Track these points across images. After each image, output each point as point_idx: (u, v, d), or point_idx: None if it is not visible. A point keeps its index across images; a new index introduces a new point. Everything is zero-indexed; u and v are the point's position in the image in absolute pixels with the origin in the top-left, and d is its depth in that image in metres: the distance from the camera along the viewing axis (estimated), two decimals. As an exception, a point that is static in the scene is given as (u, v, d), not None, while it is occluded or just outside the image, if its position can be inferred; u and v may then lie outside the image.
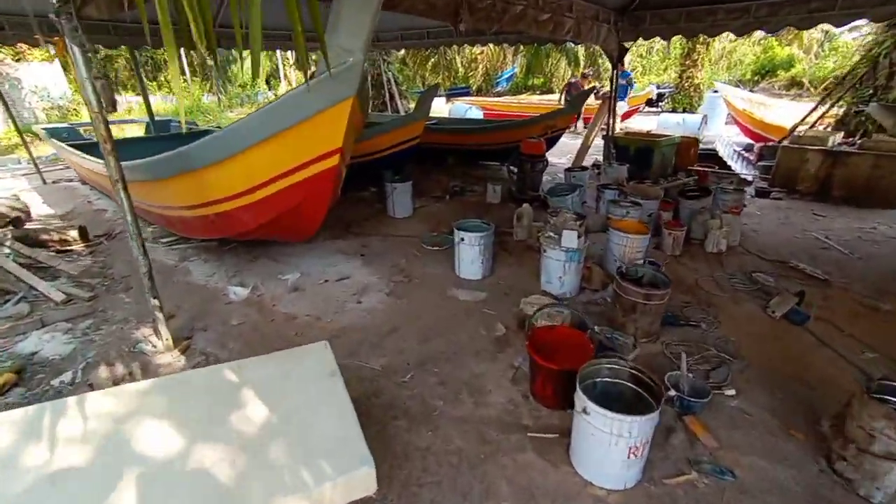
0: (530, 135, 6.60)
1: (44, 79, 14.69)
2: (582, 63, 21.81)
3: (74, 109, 14.69)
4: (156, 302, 2.56)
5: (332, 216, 5.21)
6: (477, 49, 19.75)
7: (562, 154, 9.10)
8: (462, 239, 3.52)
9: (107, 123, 2.17)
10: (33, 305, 3.14)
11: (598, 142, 8.16)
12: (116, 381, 2.40)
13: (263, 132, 2.69)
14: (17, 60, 14.43)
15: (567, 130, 7.30)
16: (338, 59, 2.34)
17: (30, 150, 7.34)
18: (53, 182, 7.18)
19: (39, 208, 5.82)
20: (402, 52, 20.11)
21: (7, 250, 3.75)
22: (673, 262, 3.98)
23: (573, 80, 11.83)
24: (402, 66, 19.95)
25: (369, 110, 7.76)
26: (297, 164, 2.85)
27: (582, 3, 5.44)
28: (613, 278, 2.97)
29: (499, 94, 20.14)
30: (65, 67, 15.11)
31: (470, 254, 3.56)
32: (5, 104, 7.19)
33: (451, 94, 18.47)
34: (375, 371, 2.53)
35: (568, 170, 6.10)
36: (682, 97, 15.60)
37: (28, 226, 4.90)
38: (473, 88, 20.88)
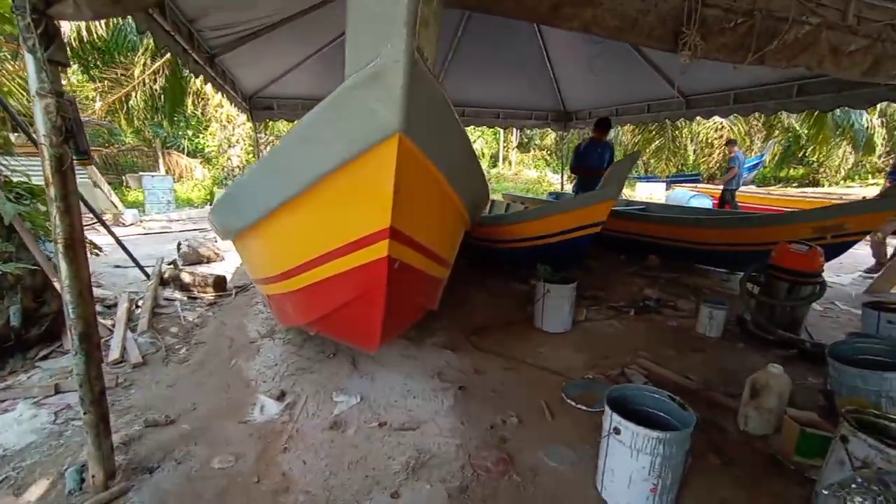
0: (792, 237, 4.14)
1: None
2: (878, 147, 15.92)
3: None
4: (89, 417, 1.72)
5: (460, 313, 4.02)
6: (715, 131, 16.64)
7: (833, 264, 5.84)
8: (616, 430, 1.73)
9: (58, 160, 1.50)
10: (89, 360, 2.83)
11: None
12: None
13: (274, 195, 1.70)
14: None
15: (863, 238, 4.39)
16: (361, 58, 1.17)
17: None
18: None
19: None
20: (622, 132, 18.72)
21: (142, 288, 3.83)
22: None
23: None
24: (617, 147, 18.40)
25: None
26: (328, 249, 1.74)
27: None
28: None
29: (737, 185, 16.15)
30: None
31: (630, 467, 1.72)
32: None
33: (674, 181, 15.75)
34: None
35: (875, 306, 3.39)
36: None
37: (200, 268, 5.32)
38: (704, 176, 17.49)
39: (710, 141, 17.44)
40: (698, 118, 6.84)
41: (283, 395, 2.54)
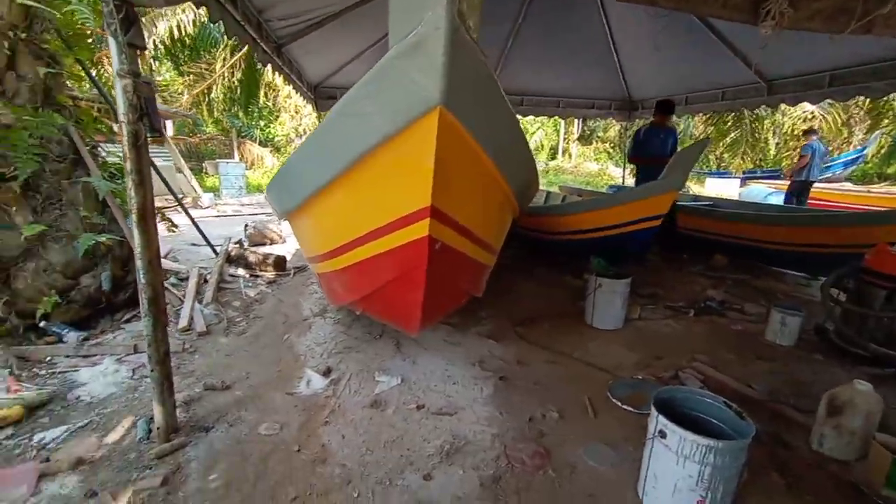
0: (891, 239, 3.65)
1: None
2: None
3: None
4: (155, 375, 1.89)
5: (506, 302, 3.96)
6: (804, 122, 14.92)
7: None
8: (661, 433, 1.62)
9: (135, 136, 1.65)
10: (162, 326, 3.12)
11: None
12: (72, 467, 1.80)
13: (320, 173, 1.75)
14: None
15: None
16: (404, 28, 1.15)
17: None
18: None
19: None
20: (692, 124, 17.40)
21: (211, 264, 4.14)
22: None
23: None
24: (687, 140, 17.12)
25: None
26: (371, 228, 1.77)
27: None
28: None
29: (828, 182, 14.34)
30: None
31: (676, 474, 1.60)
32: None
33: (750, 177, 14.37)
34: None
35: None
36: None
37: (262, 248, 5.66)
38: (786, 172, 15.76)
39: (796, 133, 15.67)
40: (783, 105, 6.14)
41: (328, 371, 2.65)
